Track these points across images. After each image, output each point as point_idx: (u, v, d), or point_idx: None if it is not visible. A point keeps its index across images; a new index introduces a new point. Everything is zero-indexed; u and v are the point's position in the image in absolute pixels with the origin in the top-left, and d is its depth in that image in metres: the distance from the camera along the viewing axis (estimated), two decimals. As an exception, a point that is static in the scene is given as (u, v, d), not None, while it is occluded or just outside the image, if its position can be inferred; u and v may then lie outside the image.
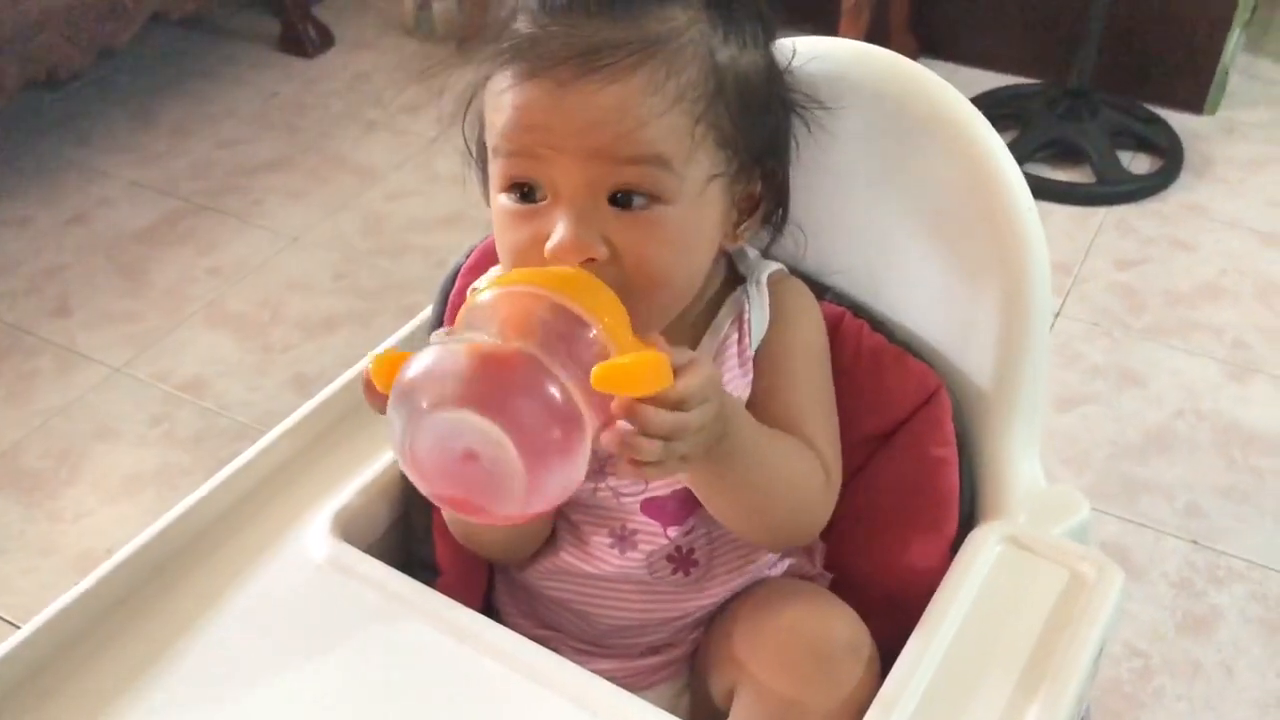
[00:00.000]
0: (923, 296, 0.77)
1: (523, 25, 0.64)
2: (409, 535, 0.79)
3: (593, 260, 0.63)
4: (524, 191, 0.65)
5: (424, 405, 0.53)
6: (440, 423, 0.53)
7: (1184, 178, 2.20)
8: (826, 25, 2.28)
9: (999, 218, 0.70)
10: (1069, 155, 2.21)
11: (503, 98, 0.64)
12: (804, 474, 0.71)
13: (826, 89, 0.74)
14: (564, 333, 0.55)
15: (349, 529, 0.72)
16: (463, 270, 0.84)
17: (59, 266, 2.07)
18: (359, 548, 0.71)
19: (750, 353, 0.74)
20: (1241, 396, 1.73)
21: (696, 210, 0.65)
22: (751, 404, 0.74)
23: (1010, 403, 0.73)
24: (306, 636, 0.68)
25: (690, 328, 0.74)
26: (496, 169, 0.66)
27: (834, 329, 0.79)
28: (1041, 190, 2.06)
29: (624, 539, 0.74)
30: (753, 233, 0.74)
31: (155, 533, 0.71)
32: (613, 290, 0.59)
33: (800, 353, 0.75)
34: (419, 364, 0.54)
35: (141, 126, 2.46)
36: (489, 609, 0.83)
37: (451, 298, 0.84)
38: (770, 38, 0.71)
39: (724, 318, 0.75)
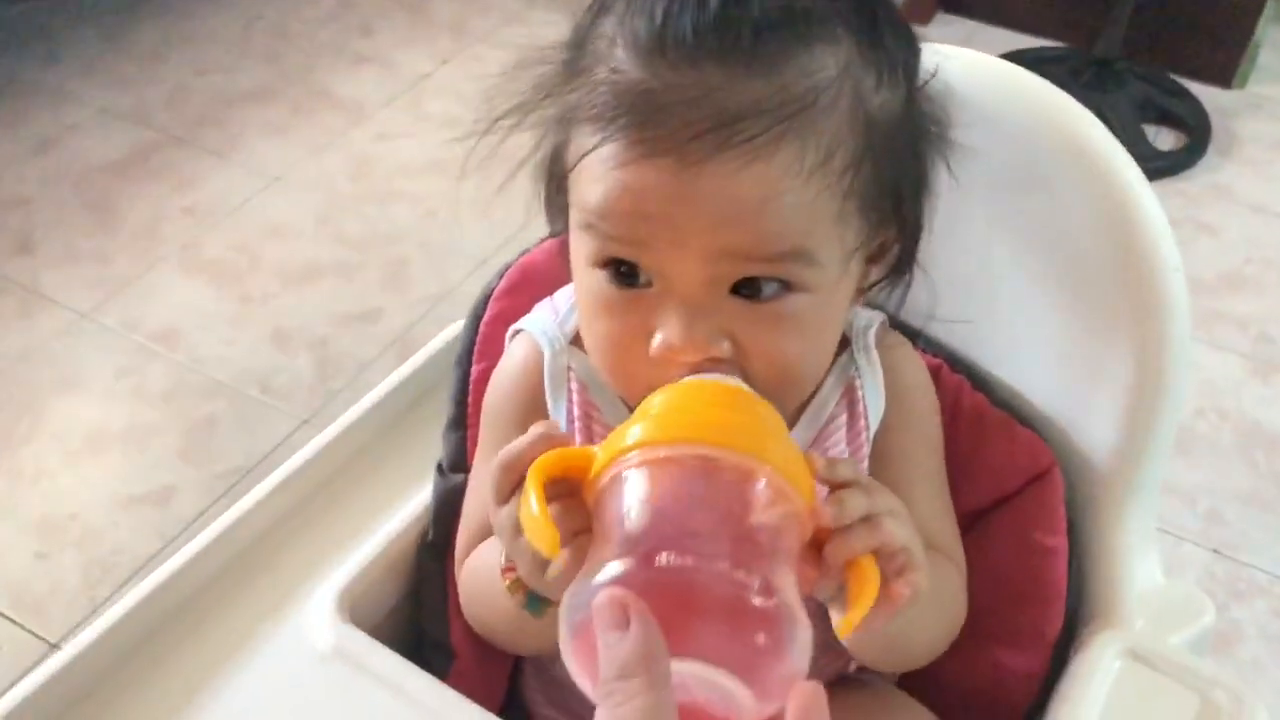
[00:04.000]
0: (1034, 354, 0.68)
1: (627, 66, 0.50)
2: (421, 613, 0.69)
3: (715, 360, 0.52)
4: (622, 270, 0.53)
5: None
6: None
7: (1210, 156, 2.11)
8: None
9: (1138, 273, 0.60)
10: (1092, 127, 2.11)
11: (607, 172, 0.51)
12: (950, 596, 0.63)
13: (940, 106, 0.61)
14: (750, 506, 0.46)
15: (356, 606, 0.62)
16: (495, 294, 0.74)
17: (23, 199, 1.94)
18: (367, 626, 0.61)
19: (867, 440, 0.64)
20: (1265, 396, 1.66)
21: (834, 293, 0.55)
22: None
23: (1130, 488, 0.64)
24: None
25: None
26: (589, 244, 0.54)
27: None
28: (1065, 164, 1.97)
29: None
30: (884, 291, 0.62)
31: (131, 606, 0.60)
32: None
33: (923, 441, 0.65)
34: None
35: (114, 48, 2.31)
36: (514, 697, 0.73)
37: (483, 326, 0.74)
38: (917, 64, 0.58)
39: (830, 393, 0.64)
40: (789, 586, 0.45)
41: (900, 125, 0.56)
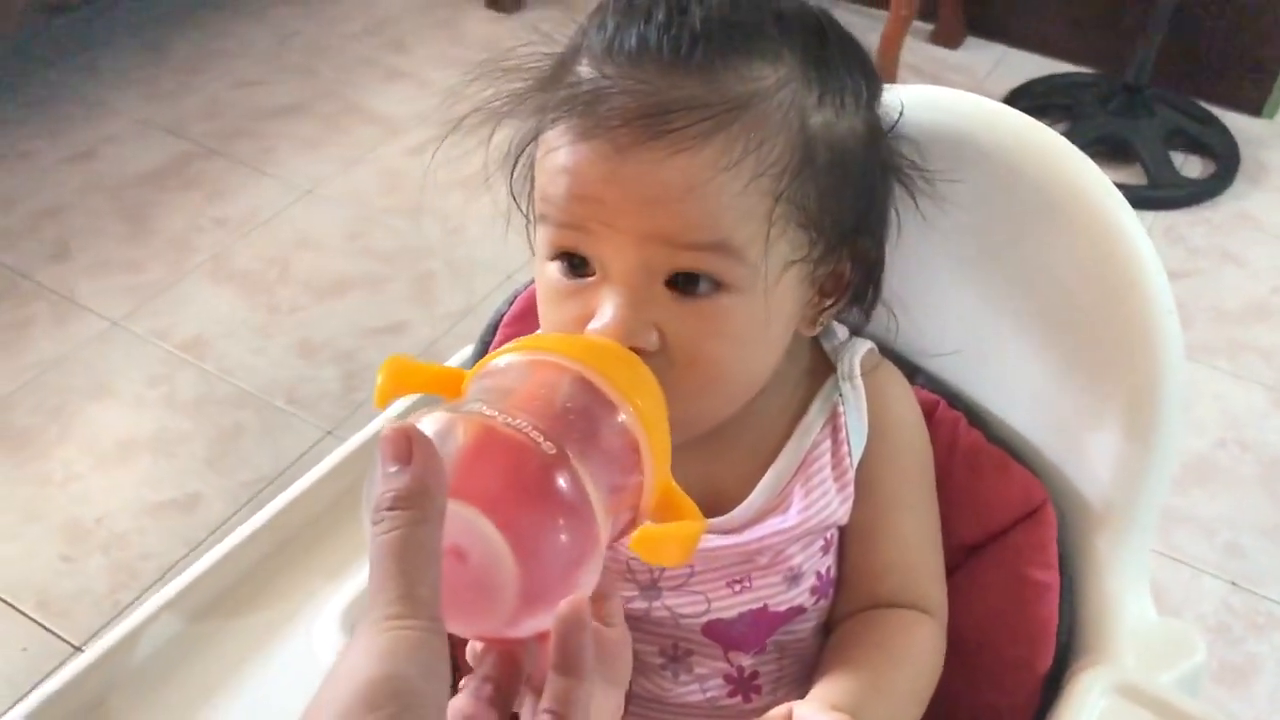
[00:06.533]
0: (1028, 392, 0.68)
1: (585, 71, 0.55)
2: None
3: (639, 350, 0.54)
4: (573, 263, 0.57)
5: None
6: None
7: (1237, 185, 2.11)
8: (878, 1, 2.17)
9: (1131, 316, 0.61)
10: (1120, 153, 2.11)
11: (553, 158, 0.55)
12: (930, 670, 0.64)
13: (933, 146, 0.64)
14: (585, 415, 0.46)
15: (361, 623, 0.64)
16: (505, 320, 0.75)
17: (60, 207, 1.98)
18: (373, 640, 0.63)
19: (851, 469, 0.65)
20: (1288, 428, 1.65)
21: (767, 301, 0.56)
22: (852, 533, 0.66)
23: (1123, 526, 0.64)
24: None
25: (772, 424, 0.65)
26: (543, 236, 0.58)
27: (925, 419, 0.69)
28: (1090, 191, 1.97)
29: (677, 659, 0.67)
30: (839, 317, 0.65)
31: (137, 623, 0.61)
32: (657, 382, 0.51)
33: (910, 474, 0.66)
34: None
35: (152, 60, 2.36)
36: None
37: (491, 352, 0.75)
38: (875, 96, 0.61)
39: (814, 419, 0.65)
40: (590, 486, 0.43)
41: (852, 153, 0.58)
